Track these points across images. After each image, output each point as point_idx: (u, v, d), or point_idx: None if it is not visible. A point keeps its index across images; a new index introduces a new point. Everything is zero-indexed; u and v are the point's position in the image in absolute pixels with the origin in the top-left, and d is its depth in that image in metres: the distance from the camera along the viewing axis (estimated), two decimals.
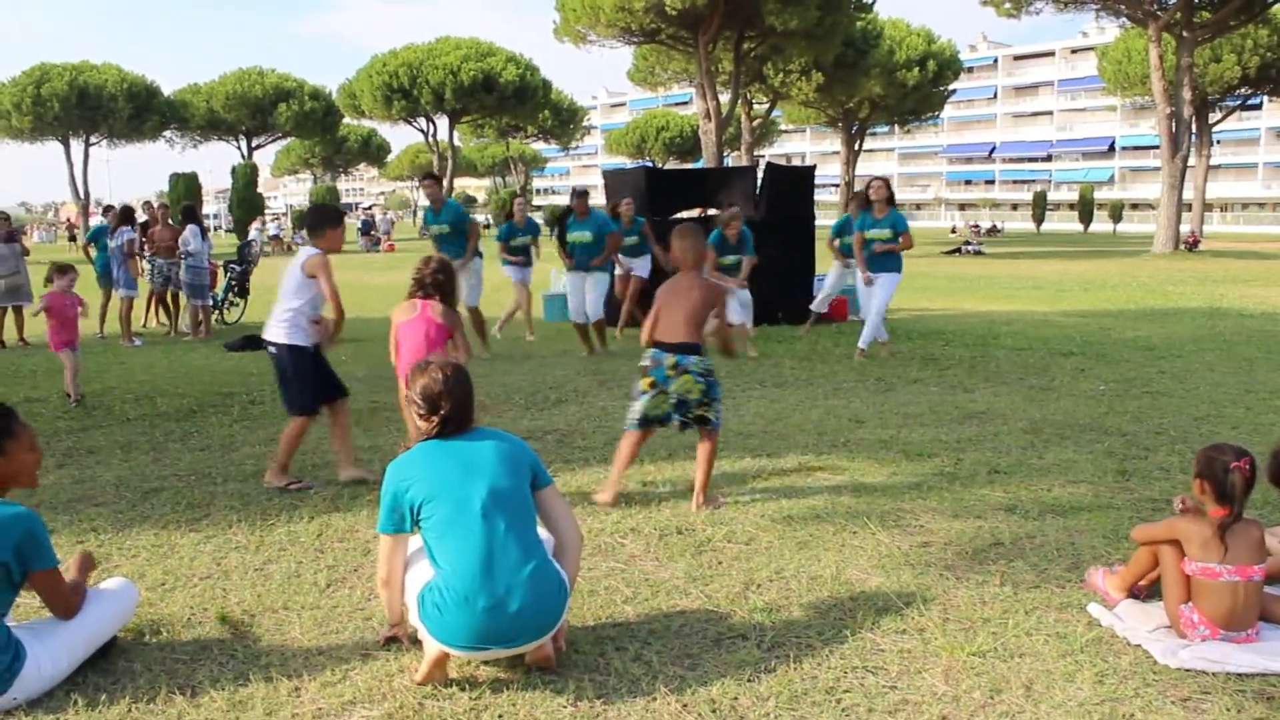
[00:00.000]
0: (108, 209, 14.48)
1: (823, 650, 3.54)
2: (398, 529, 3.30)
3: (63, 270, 8.71)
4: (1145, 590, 3.89)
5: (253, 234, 40.55)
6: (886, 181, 10.21)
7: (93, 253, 13.52)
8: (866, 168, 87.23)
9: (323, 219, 5.84)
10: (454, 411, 3.34)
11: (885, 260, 9.95)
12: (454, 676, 3.32)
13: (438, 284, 5.46)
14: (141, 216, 14.58)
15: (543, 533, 3.49)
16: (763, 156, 59.76)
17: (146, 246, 13.43)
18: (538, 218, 14.58)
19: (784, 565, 4.36)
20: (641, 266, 11.69)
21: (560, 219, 11.37)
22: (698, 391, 5.17)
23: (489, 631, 3.15)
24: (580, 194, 11.13)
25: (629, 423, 5.34)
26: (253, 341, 11.93)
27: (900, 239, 9.89)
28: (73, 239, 45.47)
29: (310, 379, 5.77)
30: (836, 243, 11.88)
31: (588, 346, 10.77)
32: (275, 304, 5.73)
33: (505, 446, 3.37)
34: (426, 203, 11.25)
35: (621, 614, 3.87)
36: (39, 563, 3.22)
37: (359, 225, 49.06)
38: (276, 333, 5.68)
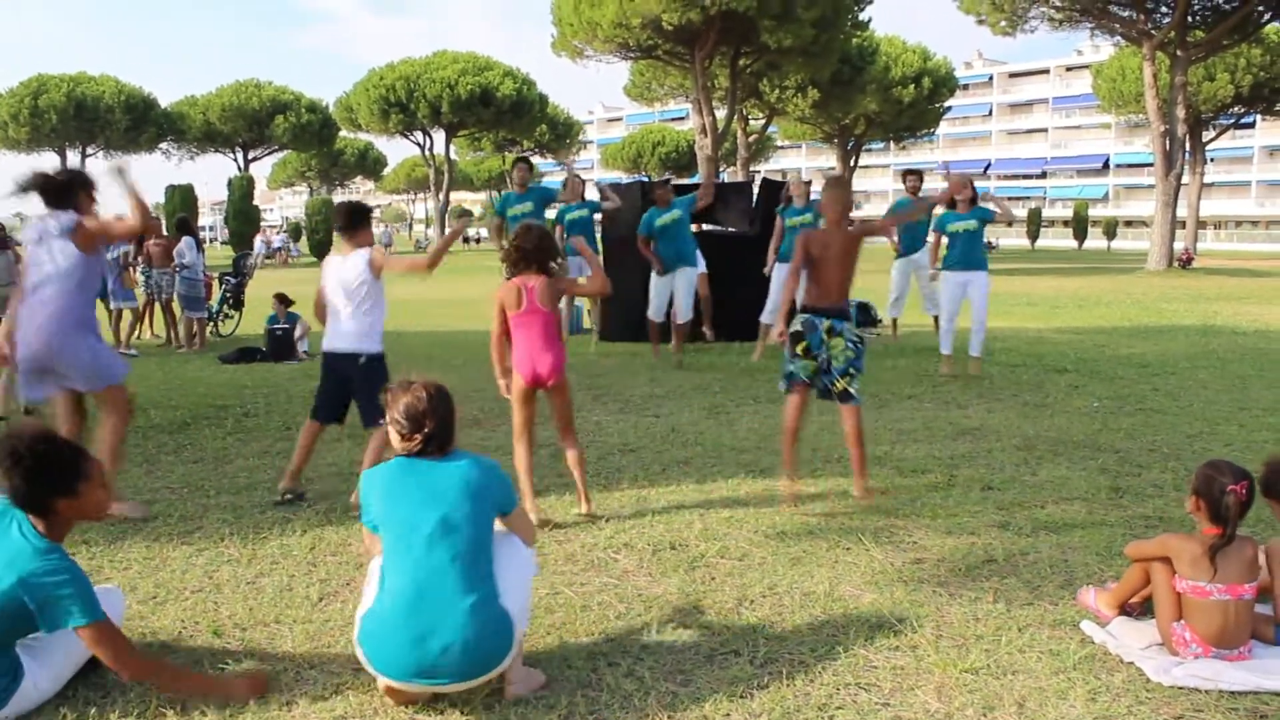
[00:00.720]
0: None
1: (815, 666, 3.53)
2: (374, 530, 3.32)
3: None
4: (1138, 608, 3.89)
5: (258, 246, 40.56)
6: (921, 175, 10.10)
7: None
8: (862, 184, 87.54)
9: (361, 217, 5.64)
10: (437, 430, 3.31)
11: (979, 258, 9.87)
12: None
13: (541, 252, 5.14)
14: None
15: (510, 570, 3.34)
16: (758, 172, 59.90)
17: (140, 258, 13.43)
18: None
19: (777, 581, 4.36)
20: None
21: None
22: (844, 358, 5.19)
23: (414, 666, 3.08)
24: (663, 182, 10.80)
25: (784, 386, 5.40)
26: (247, 354, 11.95)
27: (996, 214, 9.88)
28: None
29: None
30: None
31: (657, 348, 10.78)
32: (344, 316, 5.49)
33: (474, 474, 3.30)
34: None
35: (614, 629, 3.86)
36: (76, 620, 3.07)
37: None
38: (366, 343, 5.47)
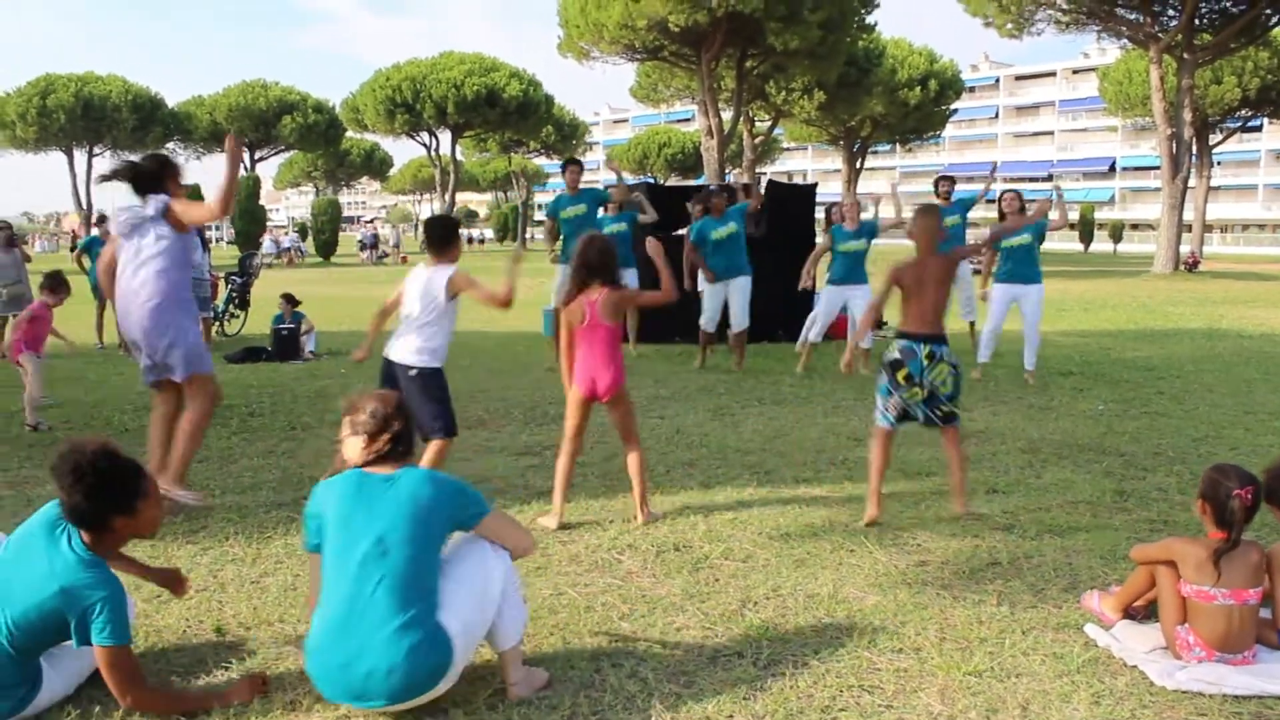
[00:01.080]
0: (101, 220, 14.51)
1: (819, 669, 3.53)
2: (315, 549, 3.26)
3: (58, 288, 8.26)
4: (1142, 611, 3.89)
5: (266, 245, 40.63)
6: (1018, 194, 10.03)
7: (86, 263, 13.52)
8: (868, 186, 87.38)
9: (452, 234, 5.60)
10: (404, 430, 3.32)
11: (1033, 271, 9.80)
12: (446, 692, 3.31)
13: (604, 264, 5.12)
14: None
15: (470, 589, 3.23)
16: (764, 174, 59.91)
17: None
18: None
19: (781, 583, 4.36)
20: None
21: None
22: (950, 384, 5.16)
23: (344, 690, 3.06)
24: (719, 190, 10.61)
25: (882, 420, 5.29)
26: (253, 353, 11.97)
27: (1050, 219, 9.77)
28: (74, 248, 45.61)
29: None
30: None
31: (704, 358, 10.74)
32: (412, 330, 5.44)
33: (425, 491, 3.19)
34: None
35: (618, 630, 3.86)
36: (102, 638, 3.08)
37: (360, 240, 49.16)
38: (423, 358, 5.40)
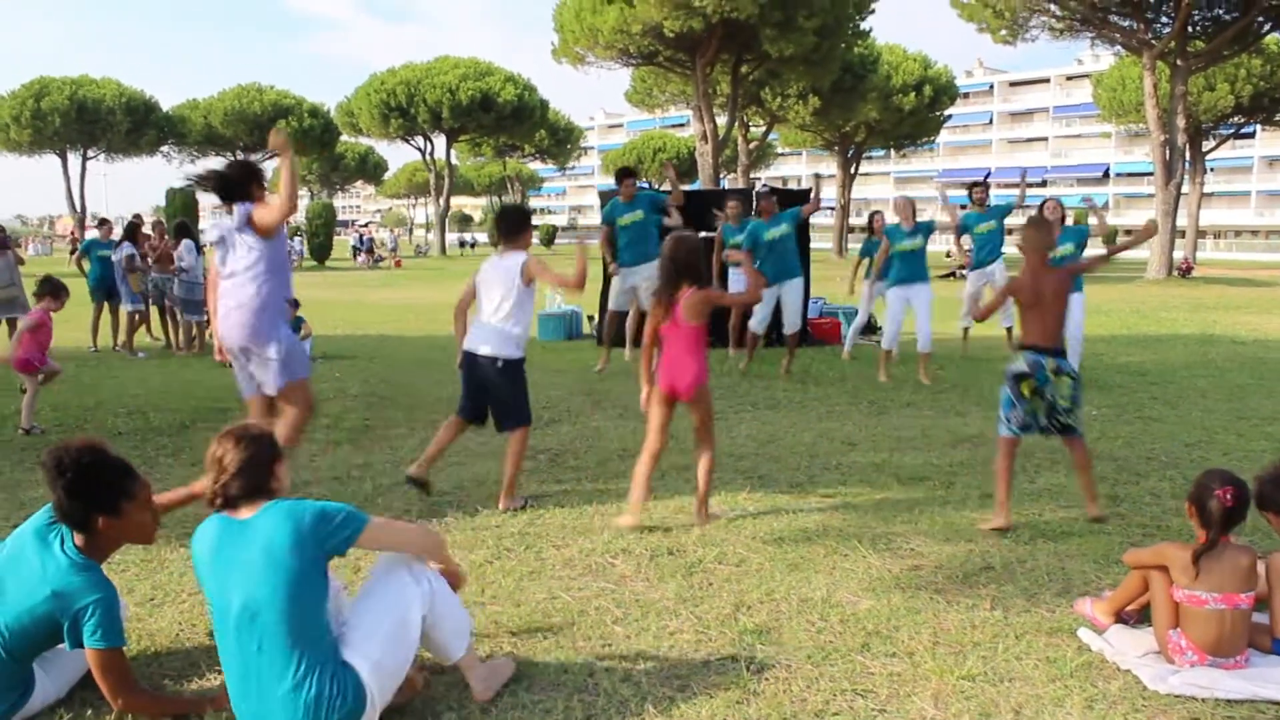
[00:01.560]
0: (102, 222, 14.49)
1: (812, 673, 3.53)
2: None
3: (58, 293, 8.26)
4: (1134, 615, 3.90)
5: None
6: (1059, 202, 10.01)
7: (85, 266, 13.50)
8: (862, 191, 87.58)
9: (524, 221, 5.70)
10: (234, 478, 3.02)
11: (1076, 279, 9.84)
12: (439, 695, 3.32)
13: (692, 264, 5.14)
14: (148, 232, 14.50)
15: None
16: (758, 179, 59.97)
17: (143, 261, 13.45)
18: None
19: (774, 587, 4.36)
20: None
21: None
22: (1069, 396, 5.22)
23: None
24: (769, 193, 10.59)
25: (1006, 430, 5.31)
26: None
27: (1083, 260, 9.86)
28: (74, 252, 45.55)
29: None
30: (865, 262, 11.84)
31: (749, 359, 10.78)
32: (493, 321, 5.48)
33: (284, 531, 2.93)
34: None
35: (611, 634, 3.86)
36: (95, 641, 3.07)
37: (354, 243, 49.15)
38: (510, 348, 5.47)
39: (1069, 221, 9.90)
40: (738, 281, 10.76)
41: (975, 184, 11.62)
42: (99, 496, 3.11)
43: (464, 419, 5.72)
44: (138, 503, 3.21)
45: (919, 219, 10.29)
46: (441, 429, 5.75)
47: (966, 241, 11.68)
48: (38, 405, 7.84)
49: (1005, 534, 5.10)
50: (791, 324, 10.55)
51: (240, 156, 61.76)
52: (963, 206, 11.78)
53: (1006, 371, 5.35)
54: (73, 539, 3.15)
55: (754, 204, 10.77)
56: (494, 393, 5.58)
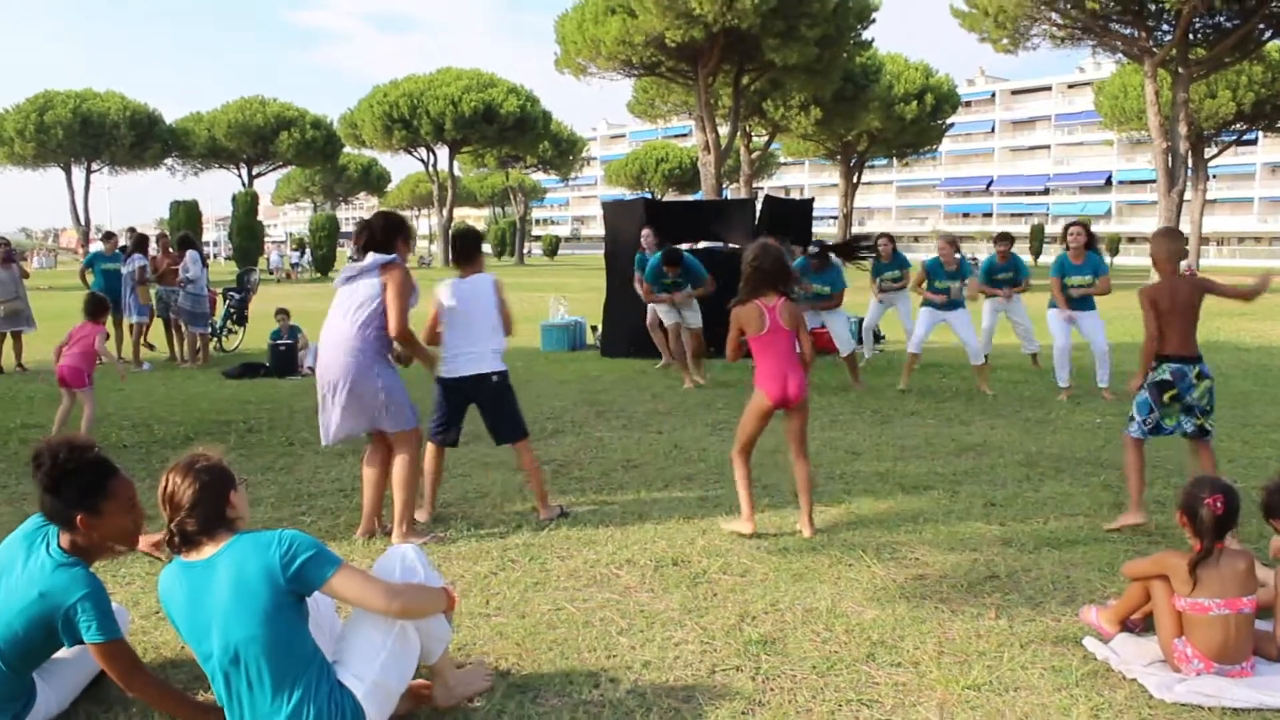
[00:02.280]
0: (107, 235, 14.53)
1: (817, 683, 3.53)
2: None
3: (106, 309, 8.48)
4: (1140, 624, 3.89)
5: (274, 259, 40.72)
6: (1085, 226, 10.11)
7: (90, 279, 13.53)
8: (865, 200, 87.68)
9: (479, 245, 5.76)
10: (187, 517, 2.93)
11: (1087, 300, 10.03)
12: (445, 707, 3.32)
13: (780, 273, 5.23)
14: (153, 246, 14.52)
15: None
16: (761, 189, 60.05)
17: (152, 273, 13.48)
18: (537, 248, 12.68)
19: (779, 597, 4.36)
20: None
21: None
22: (1206, 398, 5.31)
23: None
24: (672, 256, 10.70)
25: (1137, 432, 5.41)
26: (250, 369, 11.97)
27: (1098, 282, 9.95)
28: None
29: None
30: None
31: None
32: (476, 338, 5.49)
33: (249, 568, 2.86)
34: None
35: (616, 645, 3.86)
36: (91, 636, 3.06)
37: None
38: (499, 361, 5.57)
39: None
40: None
41: (1000, 236, 11.51)
42: (77, 494, 3.09)
43: (442, 445, 5.72)
44: (118, 503, 3.17)
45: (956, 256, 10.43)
46: (428, 462, 5.68)
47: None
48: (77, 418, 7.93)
49: (1009, 544, 5.10)
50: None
51: (245, 168, 62.13)
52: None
53: (1148, 379, 5.40)
54: (58, 540, 3.15)
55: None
56: (492, 408, 5.62)
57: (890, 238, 11.87)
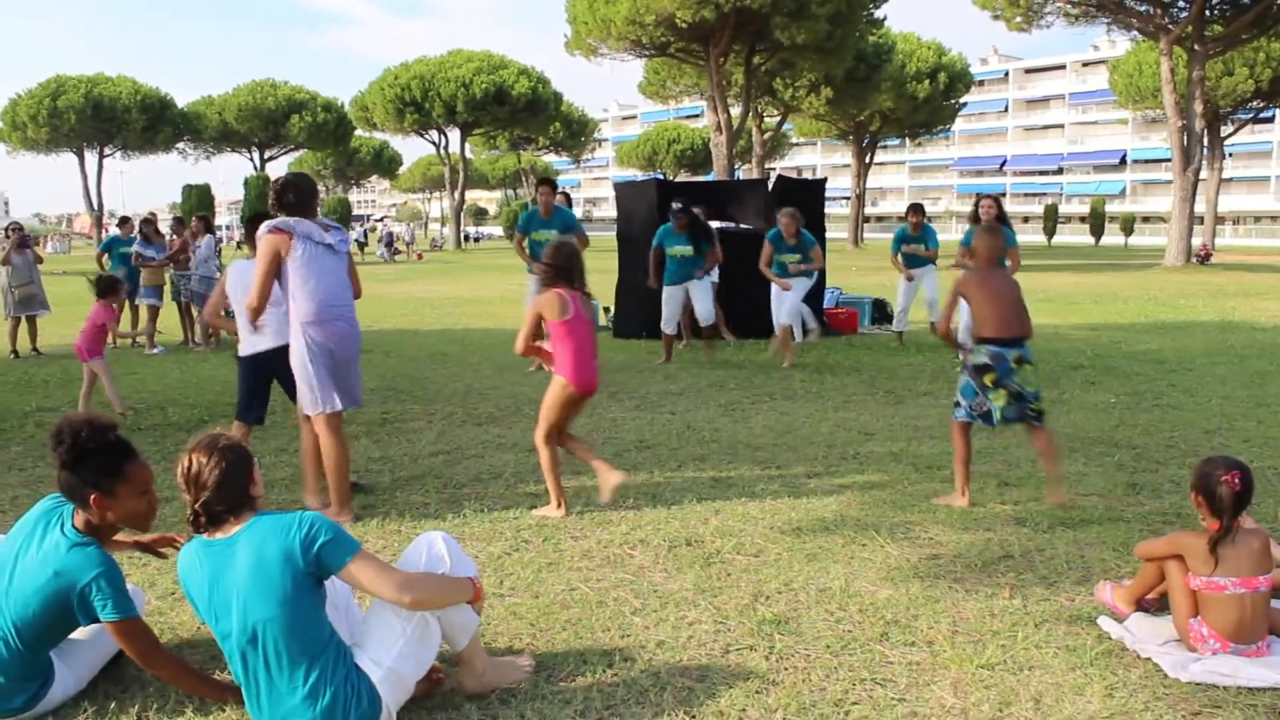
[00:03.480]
0: (123, 220, 14.56)
1: (831, 662, 3.53)
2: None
3: (117, 288, 8.73)
4: (1155, 604, 3.88)
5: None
6: (997, 200, 10.13)
7: (106, 263, 13.57)
8: (877, 180, 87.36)
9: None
10: (212, 499, 2.91)
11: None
12: (474, 693, 3.32)
13: (571, 270, 5.30)
14: (165, 230, 14.56)
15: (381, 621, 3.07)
16: (774, 169, 59.89)
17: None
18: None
19: (793, 577, 4.36)
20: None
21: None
22: (1035, 383, 5.32)
23: None
24: (681, 210, 10.76)
25: (965, 415, 5.41)
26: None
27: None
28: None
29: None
30: (899, 257, 11.90)
31: (668, 355, 10.99)
32: (274, 315, 5.66)
33: (269, 550, 2.86)
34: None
35: (630, 625, 3.87)
36: (107, 614, 3.07)
37: (380, 239, 49.26)
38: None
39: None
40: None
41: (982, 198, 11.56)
42: (94, 472, 3.10)
43: (256, 424, 6.16)
44: (131, 485, 3.17)
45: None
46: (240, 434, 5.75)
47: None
48: (104, 392, 8.21)
49: (1023, 523, 5.09)
50: (705, 317, 10.81)
51: (257, 151, 62.21)
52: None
53: (967, 364, 5.40)
54: (72, 519, 3.17)
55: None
56: (287, 378, 5.72)
57: (921, 207, 12.03)
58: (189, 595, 2.99)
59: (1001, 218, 9.87)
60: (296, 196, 5.15)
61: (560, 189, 11.41)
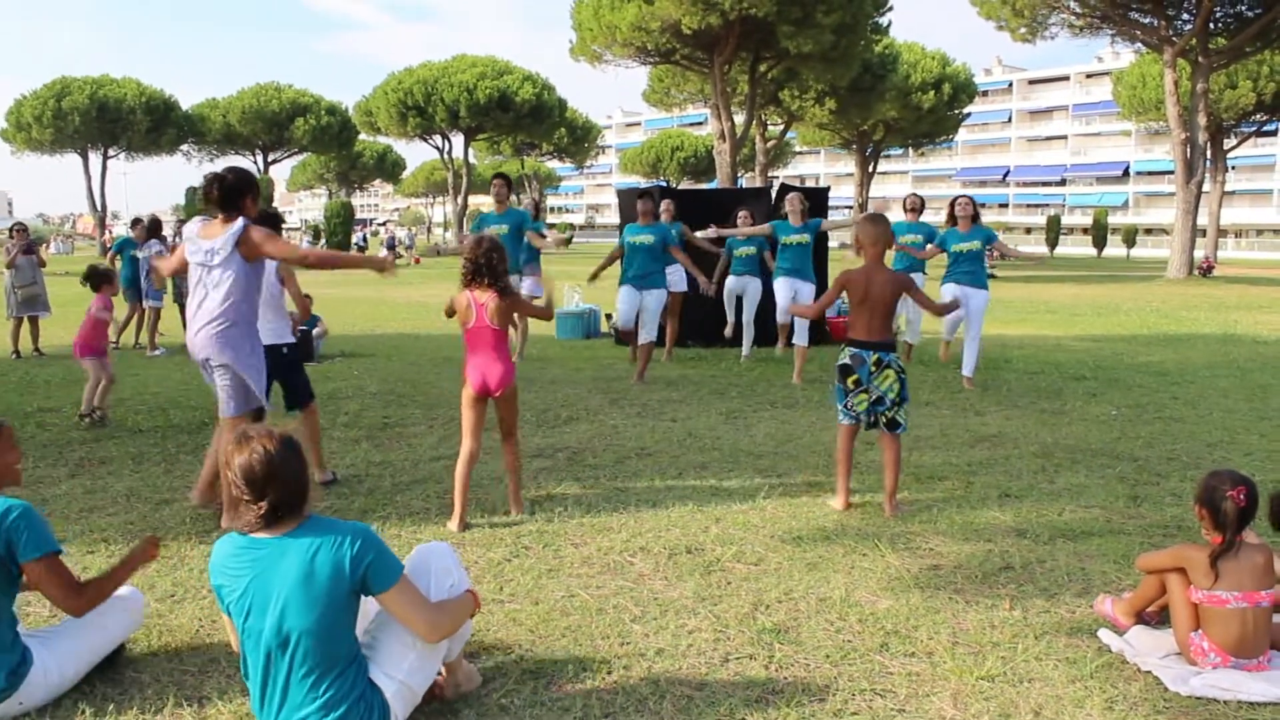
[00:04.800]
0: (135, 221, 14.55)
1: (830, 672, 3.52)
2: (228, 613, 2.95)
3: (111, 278, 8.83)
4: (1155, 616, 3.87)
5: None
6: (972, 200, 10.14)
7: (118, 264, 13.56)
8: (881, 190, 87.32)
9: None
10: (284, 496, 2.82)
11: (980, 276, 9.88)
12: (451, 699, 3.32)
13: (490, 266, 5.24)
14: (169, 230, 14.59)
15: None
16: (777, 177, 59.89)
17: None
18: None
19: (793, 586, 4.35)
20: (678, 280, 11.43)
21: None
22: (896, 390, 5.34)
23: None
24: (644, 192, 10.53)
25: (846, 417, 5.50)
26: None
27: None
28: (107, 250, 45.92)
29: None
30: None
31: (634, 356, 10.79)
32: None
33: (324, 558, 2.79)
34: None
35: (629, 632, 3.86)
36: (32, 550, 3.14)
37: (383, 241, 49.66)
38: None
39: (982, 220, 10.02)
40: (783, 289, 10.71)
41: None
42: None
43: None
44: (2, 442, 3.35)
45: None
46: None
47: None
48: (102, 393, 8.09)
49: (1024, 535, 5.08)
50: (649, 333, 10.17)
51: (260, 154, 62.28)
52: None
53: (838, 360, 5.49)
54: None
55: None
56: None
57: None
58: (217, 586, 2.91)
59: (976, 217, 9.92)
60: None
61: (534, 199, 11.36)
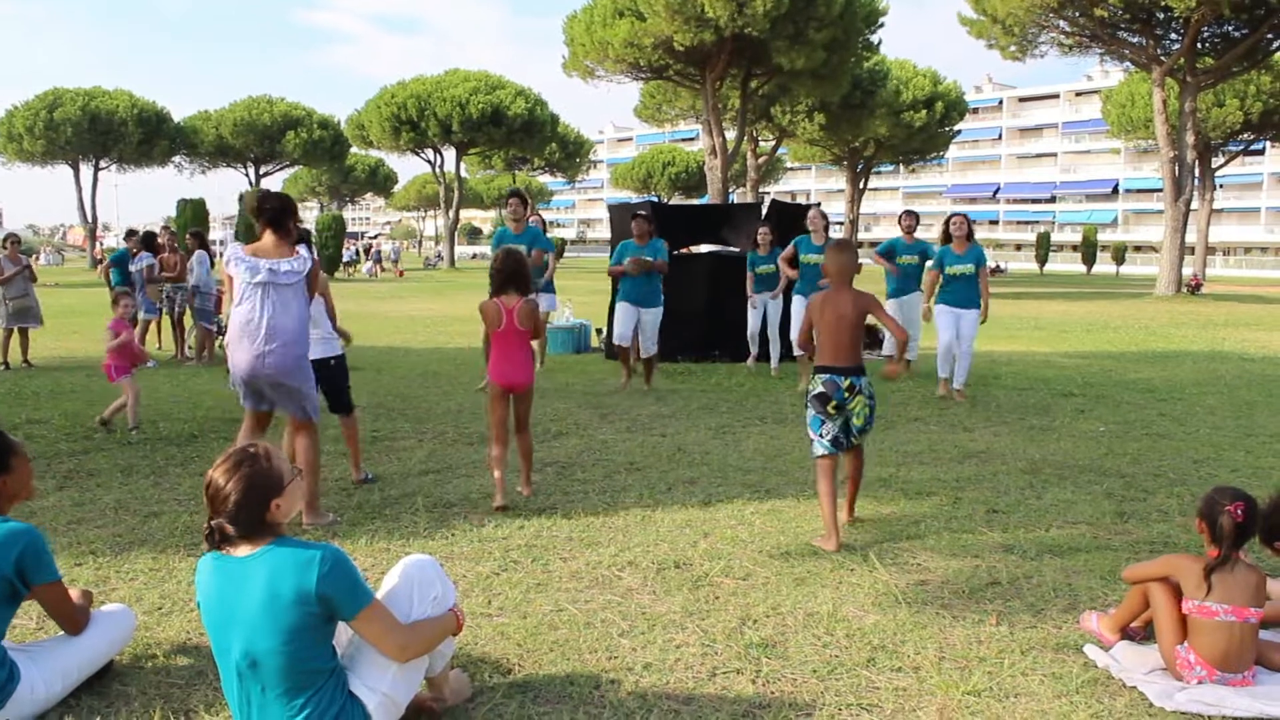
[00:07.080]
0: (130, 234, 14.56)
1: (817, 687, 3.53)
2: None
3: (117, 299, 8.90)
4: (1140, 632, 3.89)
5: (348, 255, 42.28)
6: (966, 217, 10.21)
7: (112, 276, 13.59)
8: (871, 206, 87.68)
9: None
10: (232, 515, 2.81)
11: (972, 296, 10.00)
12: (439, 712, 3.33)
13: (518, 275, 5.88)
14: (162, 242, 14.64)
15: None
16: (768, 193, 60.04)
17: (160, 272, 13.55)
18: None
19: (781, 601, 4.36)
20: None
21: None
22: (864, 416, 5.31)
23: None
24: (644, 215, 10.54)
25: (821, 450, 5.32)
26: None
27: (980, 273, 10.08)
28: (100, 262, 45.84)
29: None
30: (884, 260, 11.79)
31: (627, 373, 10.69)
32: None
33: (288, 580, 2.76)
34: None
35: (617, 647, 3.87)
36: (40, 576, 3.25)
37: (369, 254, 49.85)
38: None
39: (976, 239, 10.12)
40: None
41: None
42: None
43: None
44: (20, 457, 3.42)
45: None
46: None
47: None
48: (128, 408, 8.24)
49: (1011, 550, 5.10)
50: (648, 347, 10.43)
51: (252, 167, 62.24)
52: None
53: (807, 395, 5.40)
54: None
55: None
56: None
57: (915, 215, 12.11)
58: (200, 605, 2.92)
59: (970, 236, 10.02)
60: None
61: (536, 209, 11.48)
